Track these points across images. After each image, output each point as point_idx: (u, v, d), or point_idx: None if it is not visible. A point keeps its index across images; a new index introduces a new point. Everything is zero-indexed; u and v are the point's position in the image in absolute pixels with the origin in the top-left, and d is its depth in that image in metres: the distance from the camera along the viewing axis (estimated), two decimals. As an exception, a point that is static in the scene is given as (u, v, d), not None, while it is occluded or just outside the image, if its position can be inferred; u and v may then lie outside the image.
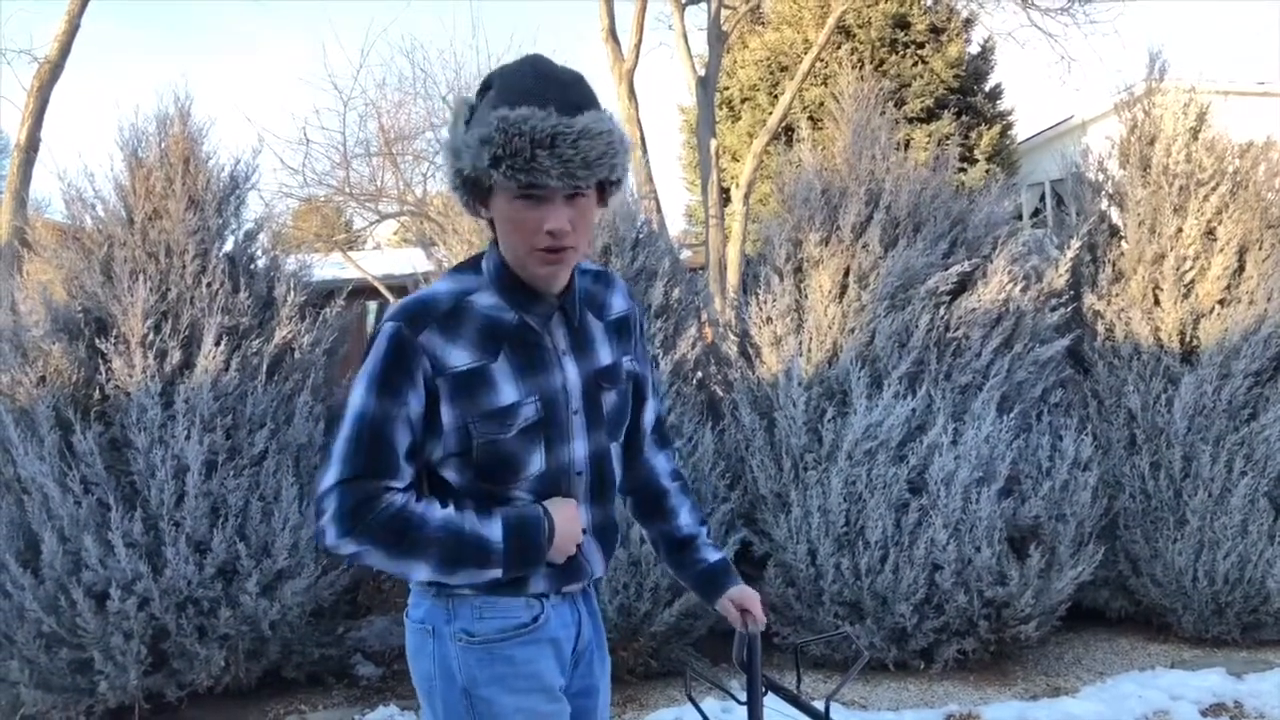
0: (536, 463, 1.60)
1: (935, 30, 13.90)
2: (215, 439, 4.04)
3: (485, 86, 1.54)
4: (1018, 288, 4.57)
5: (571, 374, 1.64)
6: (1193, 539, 4.56)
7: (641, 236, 4.67)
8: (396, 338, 1.54)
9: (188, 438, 3.96)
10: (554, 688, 1.65)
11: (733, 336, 4.96)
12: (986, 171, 12.34)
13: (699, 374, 4.78)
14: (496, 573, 1.56)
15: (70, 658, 3.90)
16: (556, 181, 1.47)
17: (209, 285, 4.20)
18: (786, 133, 11.75)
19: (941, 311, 4.48)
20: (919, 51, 13.75)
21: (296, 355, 4.35)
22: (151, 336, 4.09)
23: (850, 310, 4.49)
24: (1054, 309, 4.71)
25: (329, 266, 9.87)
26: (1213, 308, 4.74)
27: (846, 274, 4.57)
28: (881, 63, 13.13)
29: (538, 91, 1.47)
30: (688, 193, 16.96)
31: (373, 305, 8.81)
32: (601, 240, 4.49)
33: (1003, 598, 4.22)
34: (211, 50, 36.88)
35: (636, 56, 9.75)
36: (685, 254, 9.34)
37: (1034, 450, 4.43)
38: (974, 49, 14.53)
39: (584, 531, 1.65)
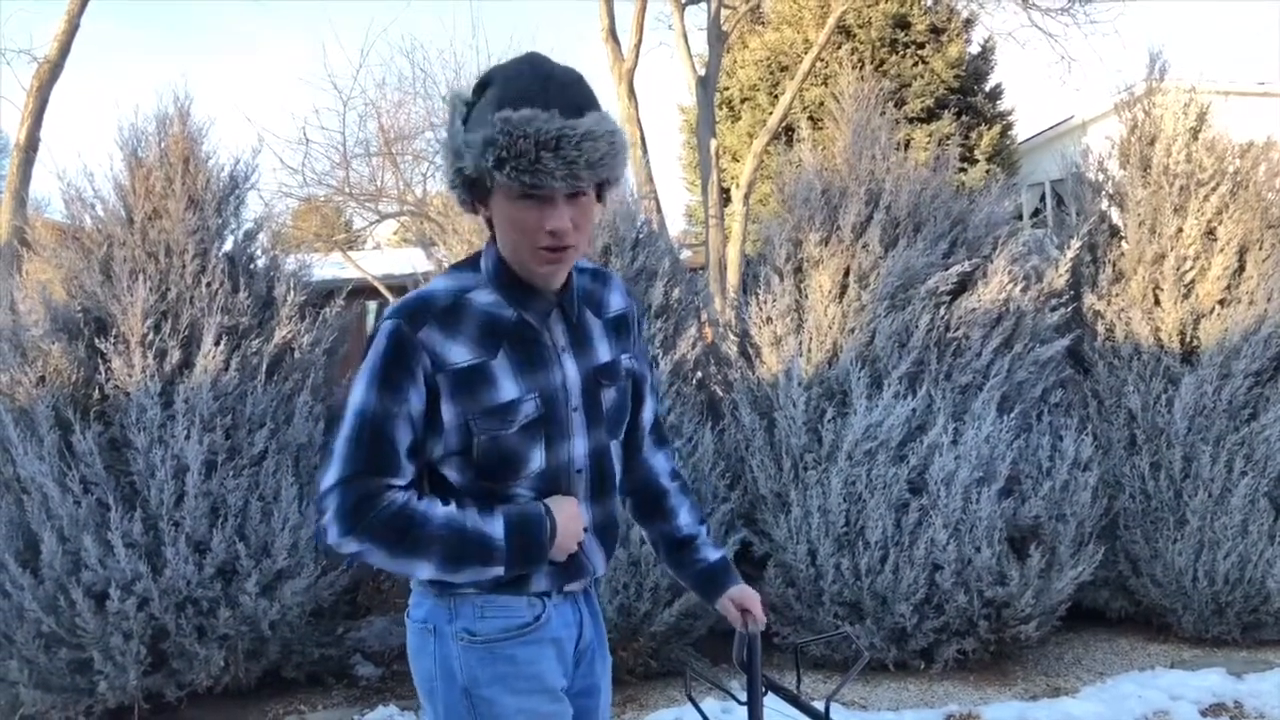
0: (537, 460, 1.60)
1: (935, 30, 13.90)
2: (215, 439, 4.04)
3: (483, 84, 1.54)
4: (1018, 288, 4.57)
5: (571, 371, 1.64)
6: (1193, 539, 4.56)
7: (641, 236, 4.67)
8: (396, 334, 1.54)
9: (187, 437, 3.96)
10: (556, 688, 1.65)
11: (733, 336, 4.95)
12: (987, 171, 12.35)
13: (699, 374, 4.78)
14: (499, 571, 1.56)
15: (70, 658, 3.90)
16: (560, 183, 1.48)
17: (209, 285, 4.20)
18: (786, 133, 11.75)
19: (941, 311, 4.48)
20: (919, 51, 13.75)
21: (296, 355, 4.35)
22: (151, 336, 4.09)
23: (850, 310, 4.49)
24: (1054, 309, 4.71)
25: (329, 266, 9.87)
26: (1213, 308, 4.74)
27: (846, 274, 4.56)
28: (882, 63, 13.14)
29: (540, 93, 1.47)
30: (688, 193, 16.97)
31: (372, 305, 8.80)
32: (601, 240, 4.49)
33: (1003, 598, 4.22)
34: (211, 50, 36.90)
35: (636, 56, 9.75)
36: (685, 254, 9.34)
37: (1034, 450, 4.43)
38: (974, 49, 14.54)
39: (585, 529, 1.65)
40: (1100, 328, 4.88)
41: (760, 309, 4.69)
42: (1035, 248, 5.20)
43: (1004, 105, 14.71)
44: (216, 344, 4.11)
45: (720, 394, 4.85)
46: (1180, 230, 4.82)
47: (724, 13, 10.42)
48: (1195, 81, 5.22)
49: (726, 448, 4.55)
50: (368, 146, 12.24)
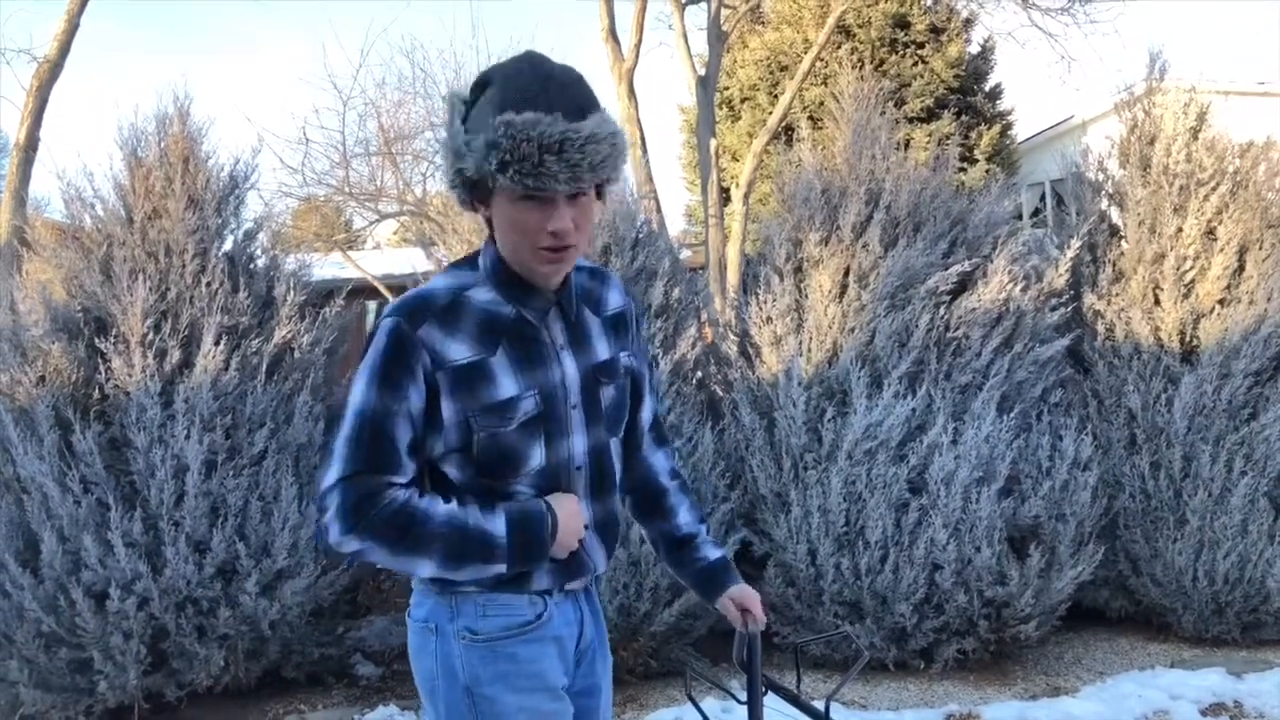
0: (536, 457, 1.60)
1: (935, 30, 13.90)
2: (215, 439, 4.03)
3: (482, 83, 1.54)
4: (1018, 287, 4.57)
5: (570, 369, 1.64)
6: (1193, 539, 4.56)
7: (641, 236, 4.67)
8: (396, 332, 1.54)
9: (187, 437, 3.96)
10: (557, 687, 1.65)
11: (733, 336, 4.95)
12: (986, 171, 12.35)
13: (699, 374, 4.78)
14: (500, 568, 1.56)
15: (69, 657, 3.90)
16: (564, 185, 1.48)
17: (208, 285, 4.20)
18: (786, 133, 11.75)
19: (941, 311, 4.48)
20: (919, 51, 13.75)
21: (296, 355, 4.35)
22: (151, 336, 4.09)
23: (850, 310, 4.49)
24: (1054, 309, 4.71)
25: (329, 266, 9.87)
26: (1213, 308, 4.74)
27: (846, 274, 4.57)
28: (881, 63, 13.14)
29: (542, 95, 1.47)
30: (688, 193, 16.97)
31: (372, 305, 8.80)
32: (601, 240, 4.49)
33: (1003, 597, 4.22)
34: (211, 50, 36.89)
35: (636, 56, 9.75)
36: (685, 254, 9.34)
37: (1034, 450, 4.43)
38: (974, 49, 14.54)
39: (586, 527, 1.65)
40: (1100, 327, 4.88)
41: (760, 309, 4.69)
42: (1035, 247, 5.20)
43: (1004, 105, 14.72)
44: (216, 344, 4.11)
45: (720, 394, 4.85)
46: (1180, 230, 4.82)
47: (724, 13, 10.41)
48: (1195, 81, 5.22)
49: (726, 447, 4.55)
50: (368, 146, 12.25)
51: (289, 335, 4.33)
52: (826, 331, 4.51)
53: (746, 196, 9.83)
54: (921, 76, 13.59)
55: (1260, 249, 4.78)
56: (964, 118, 13.53)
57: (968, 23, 14.21)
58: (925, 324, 4.40)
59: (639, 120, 9.62)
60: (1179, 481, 4.62)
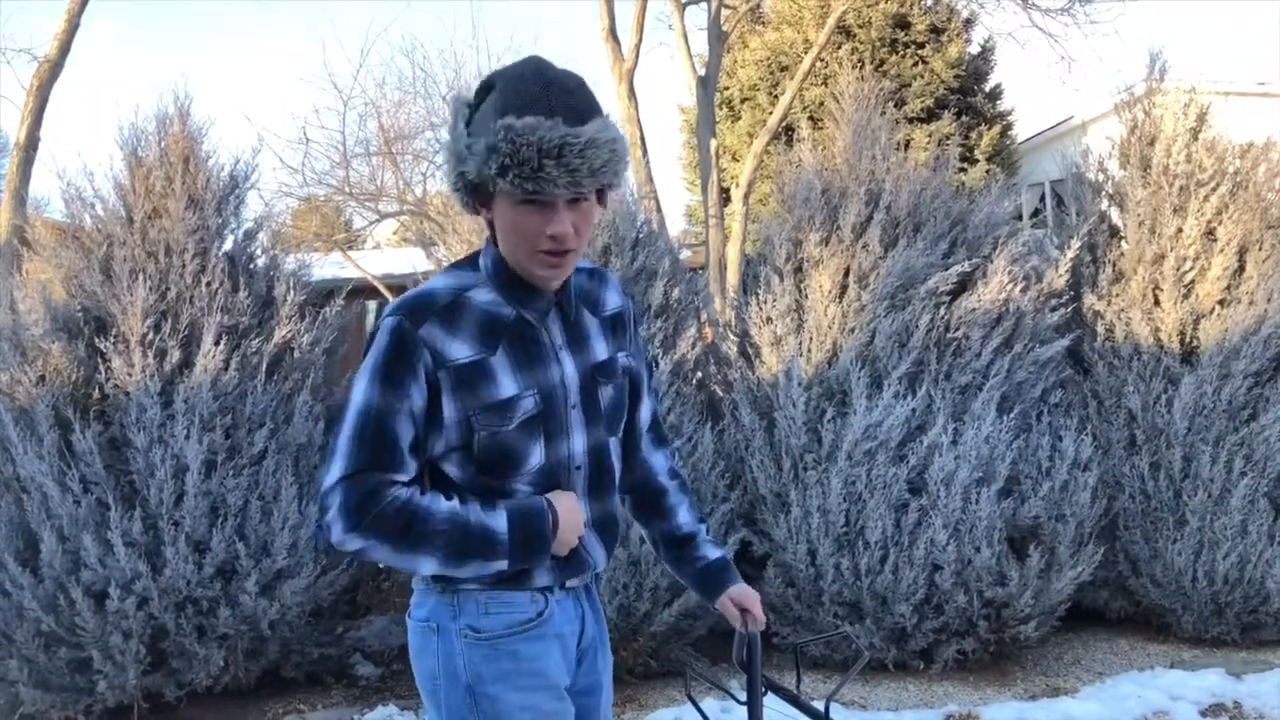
0: (536, 456, 1.61)
1: (935, 30, 13.90)
2: (214, 438, 4.04)
3: (485, 88, 1.54)
4: (1018, 288, 4.57)
5: (569, 369, 1.65)
6: (1192, 539, 4.56)
7: (641, 236, 4.67)
8: (398, 331, 1.55)
9: (187, 437, 3.96)
10: (559, 685, 1.65)
11: (733, 336, 4.96)
12: (986, 172, 12.35)
13: (699, 374, 4.78)
14: (503, 564, 1.57)
15: (69, 657, 3.90)
16: (563, 190, 1.49)
17: (208, 284, 4.20)
18: (786, 133, 11.75)
19: (941, 311, 4.48)
20: (919, 51, 13.75)
21: (296, 355, 4.35)
22: (151, 336, 4.09)
23: (850, 310, 4.49)
24: (1054, 309, 4.71)
25: (329, 266, 9.86)
26: (1213, 308, 4.74)
27: (846, 274, 4.57)
28: (881, 63, 13.14)
29: (543, 99, 1.48)
30: (688, 193, 16.96)
31: (372, 305, 8.81)
32: (601, 240, 4.49)
33: (1002, 598, 4.22)
34: (212, 50, 36.90)
35: (636, 56, 9.74)
36: (685, 254, 9.32)
37: (1034, 450, 4.43)
38: (974, 49, 14.54)
39: (585, 524, 1.66)
40: (1100, 328, 4.88)
41: (760, 309, 4.69)
42: (1035, 248, 5.20)
43: (1004, 105, 14.72)
44: (216, 343, 4.11)
45: (720, 394, 4.85)
46: (1180, 230, 4.82)
47: (724, 13, 10.41)
48: (1195, 82, 5.22)
49: (726, 448, 4.55)
50: (368, 146, 12.24)
51: (289, 335, 4.33)
52: (826, 332, 4.51)
53: (746, 196, 9.83)
54: (921, 77, 13.59)
55: (1260, 249, 4.78)
56: (964, 118, 13.53)
57: (968, 23, 14.22)
58: (925, 324, 4.40)
59: (639, 120, 9.62)
60: (1179, 482, 4.62)
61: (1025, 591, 4.19)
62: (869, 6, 13.37)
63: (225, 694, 4.13)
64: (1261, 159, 4.97)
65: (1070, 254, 4.85)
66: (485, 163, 1.48)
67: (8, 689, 3.97)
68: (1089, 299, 4.93)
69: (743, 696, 1.77)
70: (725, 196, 10.81)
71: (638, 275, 4.53)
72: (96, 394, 4.09)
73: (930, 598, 4.23)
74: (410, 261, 7.85)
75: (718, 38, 10.25)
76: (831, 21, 10.59)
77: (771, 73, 14.21)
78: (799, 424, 4.40)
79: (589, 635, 1.73)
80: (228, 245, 4.50)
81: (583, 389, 1.66)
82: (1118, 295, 4.88)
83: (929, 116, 13.48)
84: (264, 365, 4.22)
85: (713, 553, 1.86)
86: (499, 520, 1.56)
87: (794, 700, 1.79)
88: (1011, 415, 4.37)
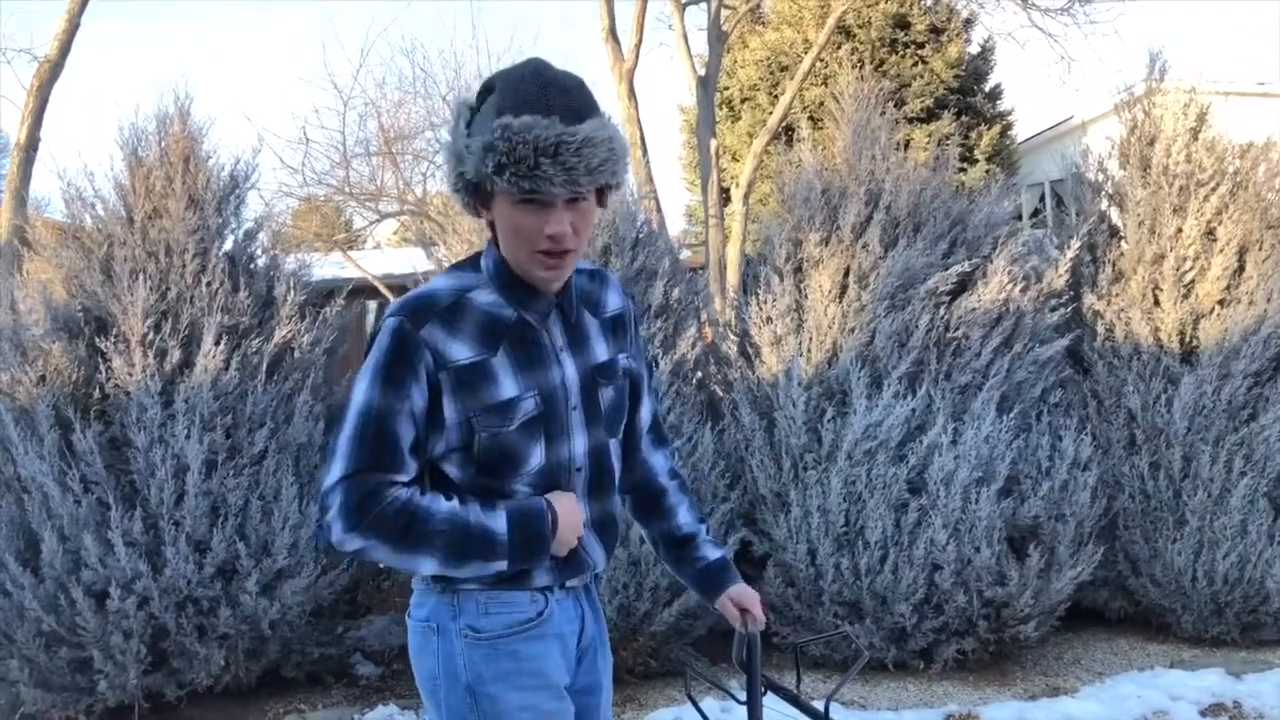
0: (536, 457, 1.61)
1: (935, 30, 13.90)
2: (215, 438, 4.04)
3: (486, 89, 1.55)
4: (1018, 288, 4.57)
5: (570, 370, 1.65)
6: (1192, 539, 4.56)
7: (641, 236, 4.67)
8: (399, 332, 1.55)
9: (187, 437, 3.96)
10: (559, 685, 1.66)
11: (733, 336, 4.96)
12: (986, 172, 12.35)
13: (699, 374, 4.78)
14: (502, 565, 1.57)
15: (70, 657, 3.90)
16: (560, 189, 1.49)
17: (209, 284, 4.20)
18: (786, 133, 11.75)
19: (941, 311, 4.48)
20: (919, 51, 13.75)
21: (296, 355, 4.36)
22: (151, 335, 4.09)
23: (850, 310, 4.50)
24: (1054, 309, 4.71)
25: (329, 266, 9.86)
26: (1212, 308, 4.74)
27: (846, 274, 4.57)
28: (881, 63, 13.14)
29: (540, 99, 1.48)
30: (688, 193, 16.96)
31: (372, 305, 8.81)
32: (601, 240, 4.49)
33: (1002, 598, 4.22)
34: (212, 50, 36.89)
35: (636, 56, 9.74)
36: (685, 254, 9.32)
37: (1034, 450, 4.43)
38: (974, 49, 14.54)
39: (584, 524, 1.66)
40: (1100, 328, 4.88)
41: (760, 309, 4.69)
42: (1035, 248, 5.20)
43: (1004, 105, 14.72)
44: (216, 343, 4.11)
45: (720, 394, 4.85)
46: (1180, 230, 4.82)
47: (724, 13, 10.41)
48: (1195, 82, 5.22)
49: (726, 448, 4.56)
50: (368, 146, 12.24)
51: (289, 335, 4.34)
52: (826, 332, 4.51)
53: (746, 196, 9.83)
54: (921, 77, 13.59)
55: (1260, 249, 4.78)
56: (964, 118, 13.53)
57: (968, 23, 14.22)
58: (925, 324, 4.40)
59: (639, 120, 9.62)
60: (1178, 482, 4.62)
61: (1025, 591, 4.19)
62: (869, 6, 13.37)
63: (226, 694, 4.13)
64: (1261, 159, 4.97)
65: (1070, 254, 4.85)
66: (483, 161, 1.49)
67: (9, 689, 3.98)
68: (1089, 299, 4.93)
69: (743, 696, 1.77)
70: (725, 196, 10.82)
71: (638, 275, 4.53)
72: (97, 394, 4.09)
73: (930, 597, 4.24)
74: (410, 261, 7.84)
75: (718, 38, 10.25)
76: (831, 21, 10.59)
77: (771, 73, 14.21)
78: (799, 424, 4.40)
79: (589, 635, 1.73)
80: (228, 245, 4.50)
81: (583, 390, 1.66)
82: (1117, 295, 4.89)
83: (929, 116, 13.48)
84: (264, 365, 4.23)
85: (713, 553, 1.87)
86: (499, 521, 1.56)
87: (794, 700, 1.79)
88: (1011, 415, 4.37)
